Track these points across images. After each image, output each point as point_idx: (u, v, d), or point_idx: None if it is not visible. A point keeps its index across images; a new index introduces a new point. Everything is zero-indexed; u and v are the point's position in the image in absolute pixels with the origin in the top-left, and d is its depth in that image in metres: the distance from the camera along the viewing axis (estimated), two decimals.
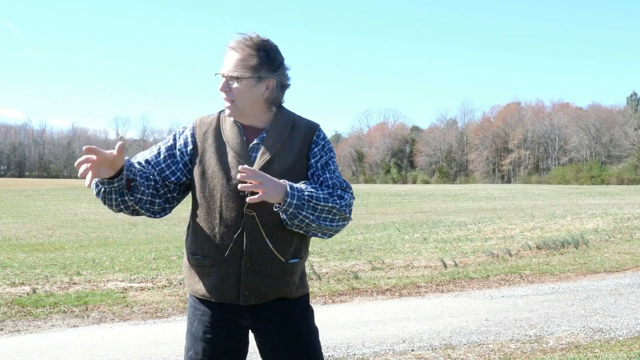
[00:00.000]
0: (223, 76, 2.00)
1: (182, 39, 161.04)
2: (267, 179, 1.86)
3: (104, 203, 1.94)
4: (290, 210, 1.89)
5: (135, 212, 2.01)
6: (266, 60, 1.98)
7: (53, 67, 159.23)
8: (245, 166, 1.85)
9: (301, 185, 1.95)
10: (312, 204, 1.92)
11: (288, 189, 1.88)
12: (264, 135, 2.04)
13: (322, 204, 1.94)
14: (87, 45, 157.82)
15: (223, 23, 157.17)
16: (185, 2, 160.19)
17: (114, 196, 1.91)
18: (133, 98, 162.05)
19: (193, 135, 2.07)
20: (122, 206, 1.95)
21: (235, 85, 1.99)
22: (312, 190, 1.94)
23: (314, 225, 1.96)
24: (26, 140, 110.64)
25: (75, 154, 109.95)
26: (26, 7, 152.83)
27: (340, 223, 2.02)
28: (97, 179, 1.85)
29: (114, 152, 1.81)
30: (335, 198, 1.99)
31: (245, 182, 1.84)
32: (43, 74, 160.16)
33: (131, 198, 1.94)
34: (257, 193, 1.86)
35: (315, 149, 2.07)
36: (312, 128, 2.10)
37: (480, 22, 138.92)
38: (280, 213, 1.93)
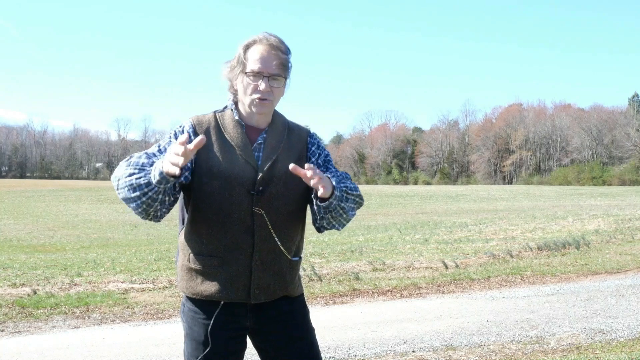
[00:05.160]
0: (264, 75, 1.97)
1: (183, 40, 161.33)
2: (324, 175, 1.87)
3: (143, 199, 1.85)
4: (334, 202, 1.92)
5: (154, 217, 1.95)
6: (291, 63, 2.05)
7: (54, 68, 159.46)
8: (311, 165, 1.84)
9: (332, 177, 1.97)
10: (346, 194, 1.99)
11: (334, 182, 1.92)
12: (265, 135, 2.07)
13: (355, 192, 2.04)
14: (87, 46, 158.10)
15: (224, 23, 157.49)
16: (186, 3, 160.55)
17: (160, 197, 1.86)
18: (134, 99, 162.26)
19: (195, 134, 2.02)
20: (159, 207, 1.89)
21: (275, 85, 2.01)
22: (344, 180, 2.03)
23: (344, 215, 2.02)
24: (28, 142, 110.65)
25: (76, 155, 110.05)
26: (23, 7, 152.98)
27: (356, 211, 2.11)
28: (163, 175, 1.77)
29: (191, 146, 1.71)
30: (356, 186, 2.09)
31: (314, 178, 1.81)
32: (44, 75, 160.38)
33: (170, 199, 1.91)
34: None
35: (313, 148, 2.15)
36: (305, 130, 2.19)
37: (481, 22, 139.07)
38: (317, 207, 1.95)
